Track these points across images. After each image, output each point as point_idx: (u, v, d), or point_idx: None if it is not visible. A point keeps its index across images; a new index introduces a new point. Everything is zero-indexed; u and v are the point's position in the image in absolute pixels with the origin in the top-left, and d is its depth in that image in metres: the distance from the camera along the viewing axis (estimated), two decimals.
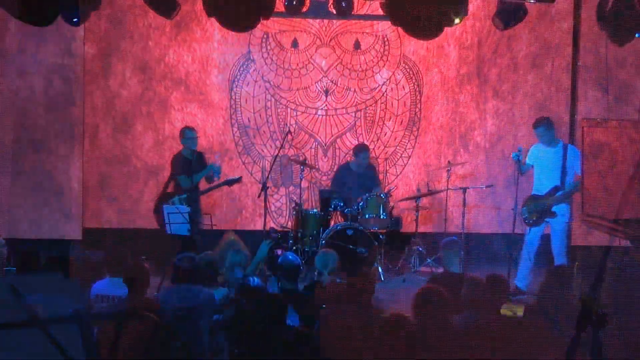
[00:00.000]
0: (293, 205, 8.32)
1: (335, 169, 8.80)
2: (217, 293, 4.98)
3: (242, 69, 8.96)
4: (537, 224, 7.16)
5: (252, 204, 9.04)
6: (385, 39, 8.96)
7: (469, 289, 4.32)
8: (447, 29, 7.47)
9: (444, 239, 5.80)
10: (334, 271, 5.52)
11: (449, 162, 8.51)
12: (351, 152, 8.58)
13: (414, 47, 8.95)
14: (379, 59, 9.01)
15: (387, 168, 9.11)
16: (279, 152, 8.45)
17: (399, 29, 8.02)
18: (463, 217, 8.21)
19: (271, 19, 8.24)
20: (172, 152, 8.17)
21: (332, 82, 8.97)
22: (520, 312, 4.59)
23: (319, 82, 8.98)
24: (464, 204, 8.20)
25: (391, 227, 8.03)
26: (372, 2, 8.09)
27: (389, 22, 8.00)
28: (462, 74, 9.03)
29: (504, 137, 9.02)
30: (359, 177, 8.27)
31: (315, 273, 5.84)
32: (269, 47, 8.94)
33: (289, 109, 9.01)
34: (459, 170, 8.89)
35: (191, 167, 7.66)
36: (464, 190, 8.22)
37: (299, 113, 9.02)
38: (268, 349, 3.93)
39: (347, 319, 4.23)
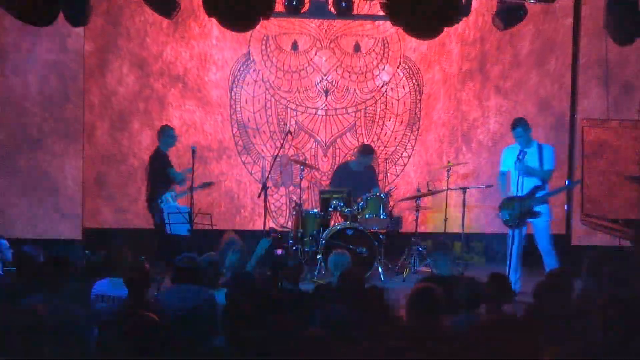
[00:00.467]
0: (293, 205, 8.48)
1: (335, 169, 8.99)
2: (219, 294, 5.02)
3: (242, 69, 9.09)
4: (519, 226, 7.35)
5: (251, 204, 9.18)
6: (385, 41, 9.09)
7: (461, 291, 4.46)
8: None
9: (434, 241, 5.89)
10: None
11: (449, 162, 8.68)
12: (355, 150, 8.72)
13: (415, 44, 9.04)
14: (379, 61, 9.15)
15: (387, 168, 9.25)
16: (279, 152, 8.62)
17: (399, 29, 8.13)
18: (463, 217, 8.38)
19: (271, 20, 8.39)
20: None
21: (332, 83, 9.11)
22: None
23: (319, 83, 9.12)
24: (464, 204, 8.37)
25: (391, 227, 8.19)
26: (372, 2, 8.18)
27: (389, 23, 8.13)
28: (464, 70, 9.14)
29: (507, 135, 9.07)
30: (358, 176, 8.44)
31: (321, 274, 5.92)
32: (269, 50, 9.07)
33: (289, 109, 9.15)
34: (460, 169, 9.02)
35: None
36: (464, 190, 8.40)
37: (299, 113, 9.17)
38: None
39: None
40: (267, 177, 8.38)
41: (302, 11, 7.32)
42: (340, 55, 9.10)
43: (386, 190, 8.57)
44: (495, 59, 9.12)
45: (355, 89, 9.16)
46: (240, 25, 6.80)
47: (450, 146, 9.23)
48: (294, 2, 7.00)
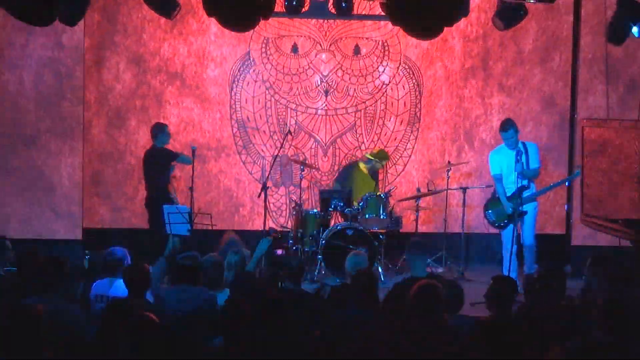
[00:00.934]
0: (293, 205, 8.65)
1: (335, 169, 9.18)
2: (221, 295, 5.11)
3: (242, 68, 9.23)
4: (506, 227, 7.55)
5: (250, 203, 9.34)
6: (386, 41, 9.23)
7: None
8: None
9: (410, 241, 5.94)
10: None
11: (449, 162, 8.84)
12: (369, 151, 8.88)
13: (416, 41, 9.08)
14: (379, 63, 9.30)
15: (388, 167, 9.40)
16: (279, 151, 8.78)
17: (399, 29, 8.24)
18: (463, 217, 8.55)
19: (271, 22, 8.55)
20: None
21: (332, 84, 9.27)
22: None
23: (319, 84, 9.26)
24: (464, 204, 8.56)
25: (391, 227, 8.35)
26: (372, 2, 8.29)
27: (390, 24, 8.26)
28: (467, 67, 9.26)
29: None
30: (364, 178, 8.74)
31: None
32: (268, 52, 9.22)
33: (289, 109, 9.31)
34: (462, 167, 9.17)
35: None
36: (464, 190, 8.59)
37: (299, 113, 9.33)
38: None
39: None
40: (267, 177, 8.54)
41: (302, 11, 7.41)
42: (340, 58, 9.25)
43: (386, 190, 8.74)
44: (498, 55, 9.22)
45: (355, 90, 9.31)
46: (240, 26, 6.92)
47: (453, 144, 9.35)
48: (294, 3, 7.08)
